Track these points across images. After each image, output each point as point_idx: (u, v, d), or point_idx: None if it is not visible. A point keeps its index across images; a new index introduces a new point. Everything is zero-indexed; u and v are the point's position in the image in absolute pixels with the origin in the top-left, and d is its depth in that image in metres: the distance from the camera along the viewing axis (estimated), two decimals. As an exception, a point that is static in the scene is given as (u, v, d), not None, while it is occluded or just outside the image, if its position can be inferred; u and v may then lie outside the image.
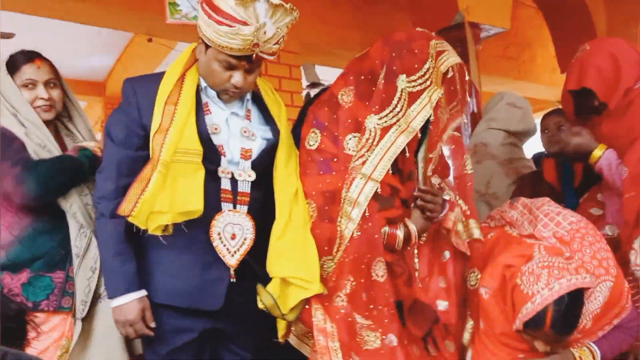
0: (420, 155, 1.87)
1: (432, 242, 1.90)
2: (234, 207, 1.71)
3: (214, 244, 1.68)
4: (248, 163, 1.74)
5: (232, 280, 1.70)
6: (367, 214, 1.71)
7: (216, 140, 1.70)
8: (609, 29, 4.78)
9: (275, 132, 1.79)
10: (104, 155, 1.75)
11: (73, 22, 3.75)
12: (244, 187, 1.73)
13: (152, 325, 1.68)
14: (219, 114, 1.72)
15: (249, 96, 1.78)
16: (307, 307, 1.73)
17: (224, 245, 1.68)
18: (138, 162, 1.65)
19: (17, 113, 1.95)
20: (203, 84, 1.72)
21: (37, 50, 2.04)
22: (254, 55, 1.61)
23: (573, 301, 1.73)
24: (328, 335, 1.69)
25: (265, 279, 1.73)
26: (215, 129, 1.70)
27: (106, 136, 1.74)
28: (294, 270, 1.69)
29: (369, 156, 1.73)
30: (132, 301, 1.64)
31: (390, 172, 1.76)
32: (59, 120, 2.07)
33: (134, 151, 1.67)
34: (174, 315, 1.70)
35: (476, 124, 3.36)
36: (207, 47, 1.65)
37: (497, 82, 5.42)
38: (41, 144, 1.94)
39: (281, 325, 1.76)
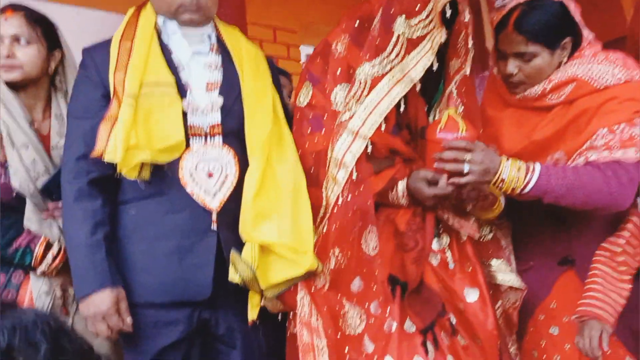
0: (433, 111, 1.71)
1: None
2: (205, 140, 1.51)
3: (188, 190, 1.47)
4: (215, 93, 1.56)
5: (214, 228, 1.48)
6: (354, 177, 1.51)
7: (182, 77, 1.55)
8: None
9: (234, 73, 1.60)
10: (66, 137, 1.57)
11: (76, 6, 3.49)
12: (214, 118, 1.53)
13: (129, 320, 1.47)
14: (181, 53, 1.58)
15: (211, 31, 1.64)
16: (291, 288, 1.53)
17: (201, 187, 1.47)
18: None
19: None
20: (160, 21, 1.59)
21: None
22: None
23: (550, 9, 1.64)
24: (313, 330, 1.49)
25: None
26: (180, 67, 1.56)
27: (67, 118, 1.58)
28: (278, 235, 1.47)
29: (357, 109, 1.55)
30: (104, 291, 1.44)
31: (384, 128, 1.56)
32: (54, 91, 1.73)
33: (98, 117, 1.47)
34: (155, 313, 1.52)
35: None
36: None
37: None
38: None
39: (254, 302, 1.51)
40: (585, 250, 1.66)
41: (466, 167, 1.51)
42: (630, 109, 1.59)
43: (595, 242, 1.66)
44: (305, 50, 4.34)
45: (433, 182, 1.55)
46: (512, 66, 1.67)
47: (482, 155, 1.53)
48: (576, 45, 1.69)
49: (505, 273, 1.68)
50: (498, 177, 1.53)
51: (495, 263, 1.69)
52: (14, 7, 1.70)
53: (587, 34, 1.70)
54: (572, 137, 1.64)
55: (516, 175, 1.54)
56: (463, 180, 1.52)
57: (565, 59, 1.68)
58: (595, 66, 1.65)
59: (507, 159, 1.55)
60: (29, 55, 1.65)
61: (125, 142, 1.40)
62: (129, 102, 1.43)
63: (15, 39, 1.65)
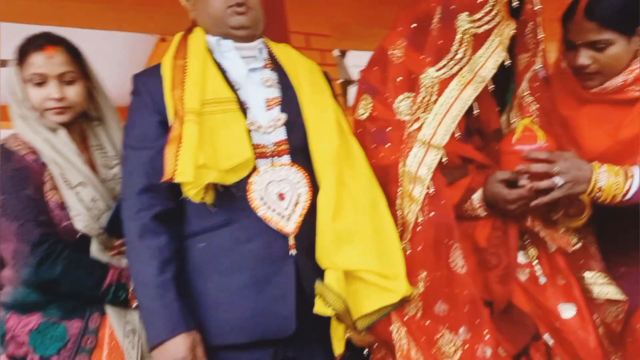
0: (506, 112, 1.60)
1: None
2: (272, 160, 1.42)
3: (260, 214, 1.36)
4: (276, 110, 1.46)
5: (292, 252, 1.36)
6: (431, 192, 1.40)
7: (240, 96, 1.47)
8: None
9: (291, 88, 1.51)
10: (124, 170, 1.47)
11: (88, 29, 3.47)
12: (279, 136, 1.43)
13: None
14: (237, 71, 1.50)
15: (262, 47, 1.55)
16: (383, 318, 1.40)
17: (273, 210, 1.37)
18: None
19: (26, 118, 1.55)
20: (213, 40, 1.50)
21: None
22: None
23: None
24: None
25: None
26: (236, 85, 1.48)
27: (124, 149, 1.48)
28: (364, 259, 1.34)
29: (427, 118, 1.44)
30: (178, 337, 1.31)
31: (458, 136, 1.45)
32: (87, 122, 1.63)
33: (156, 146, 1.39)
34: (235, 355, 1.39)
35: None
36: None
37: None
38: (58, 163, 1.53)
39: (339, 335, 1.36)
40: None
41: (558, 180, 1.38)
42: None
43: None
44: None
45: (512, 183, 1.43)
46: (584, 57, 1.54)
47: (568, 164, 1.40)
48: None
49: (602, 285, 1.54)
50: (594, 186, 1.40)
51: (589, 275, 1.55)
52: (52, 42, 1.59)
53: None
54: None
55: (615, 181, 1.40)
56: (553, 195, 1.39)
57: None
58: None
59: (601, 165, 1.42)
60: (76, 94, 1.57)
61: (195, 160, 1.31)
62: (192, 119, 1.34)
63: (62, 78, 1.56)
